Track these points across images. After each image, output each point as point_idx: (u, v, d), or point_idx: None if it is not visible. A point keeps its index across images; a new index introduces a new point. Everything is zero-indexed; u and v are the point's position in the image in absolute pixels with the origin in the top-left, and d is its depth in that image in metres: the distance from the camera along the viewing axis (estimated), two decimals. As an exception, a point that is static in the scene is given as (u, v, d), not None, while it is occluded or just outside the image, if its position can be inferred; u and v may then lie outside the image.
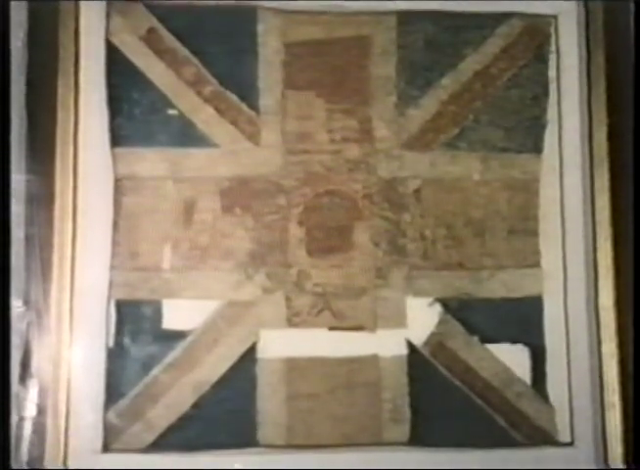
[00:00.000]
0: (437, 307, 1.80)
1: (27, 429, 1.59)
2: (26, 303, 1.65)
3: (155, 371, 1.74)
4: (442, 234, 1.81)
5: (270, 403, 1.70)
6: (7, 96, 1.51)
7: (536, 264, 1.80)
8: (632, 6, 1.72)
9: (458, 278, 1.80)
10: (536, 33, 1.84)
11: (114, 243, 1.73)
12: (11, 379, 1.51)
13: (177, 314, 1.76)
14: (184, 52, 1.77)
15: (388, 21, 1.80)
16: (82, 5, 1.71)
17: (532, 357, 1.77)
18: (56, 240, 1.68)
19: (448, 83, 1.83)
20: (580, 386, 1.73)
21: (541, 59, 1.84)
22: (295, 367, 1.74)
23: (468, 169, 1.83)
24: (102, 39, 1.73)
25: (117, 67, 1.74)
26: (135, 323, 1.76)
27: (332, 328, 1.77)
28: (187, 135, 1.79)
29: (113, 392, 1.69)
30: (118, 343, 1.73)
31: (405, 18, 1.79)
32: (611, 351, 1.73)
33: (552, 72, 1.83)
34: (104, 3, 1.73)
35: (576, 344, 1.74)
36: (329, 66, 1.78)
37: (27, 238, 1.65)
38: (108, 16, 1.73)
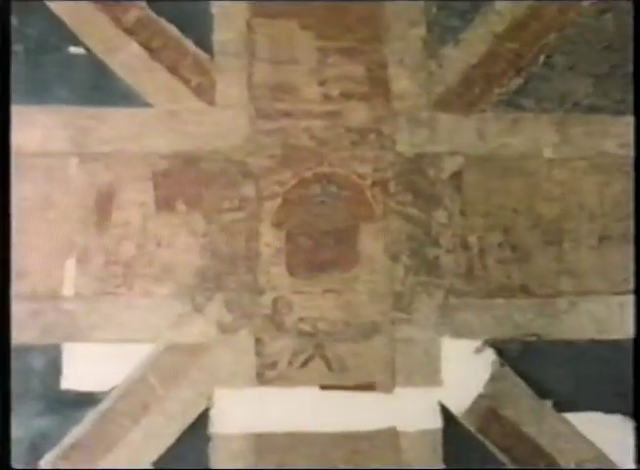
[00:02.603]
0: (489, 355, 1.57)
1: None
2: None
3: (49, 456, 1.52)
4: (496, 241, 1.58)
5: (231, 506, 1.51)
6: (7, 94, 1.46)
7: (643, 289, 1.57)
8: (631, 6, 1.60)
9: (521, 310, 1.58)
10: None
11: (-12, 256, 1.52)
12: (11, 379, 1.43)
13: (84, 367, 1.55)
14: (94, -44, 1.58)
15: None
16: None
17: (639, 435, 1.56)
18: None
19: (505, 7, 1.61)
20: None
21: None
22: (268, 448, 1.53)
23: (536, 141, 1.61)
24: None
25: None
26: (19, 382, 1.52)
27: (325, 387, 1.55)
28: (100, 87, 1.60)
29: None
30: (-9, 413, 1.48)
31: None
32: None
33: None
34: None
35: None
36: (320, -20, 1.58)
37: None
38: None
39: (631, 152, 1.60)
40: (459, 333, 1.57)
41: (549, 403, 1.56)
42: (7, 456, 1.38)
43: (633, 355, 1.53)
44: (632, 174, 1.58)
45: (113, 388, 1.54)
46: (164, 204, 1.56)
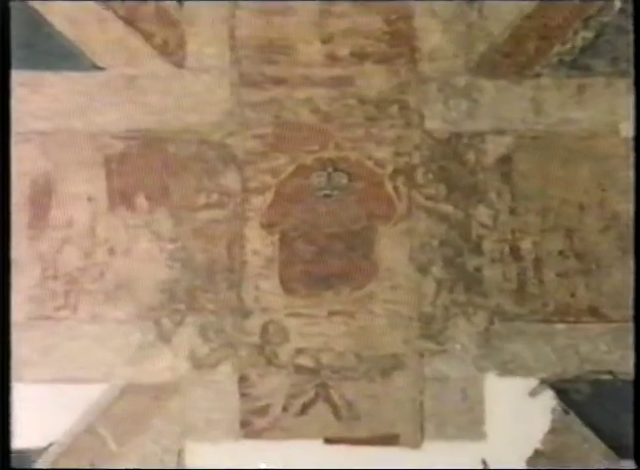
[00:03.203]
0: (548, 399, 1.42)
1: None
2: None
3: None
4: (557, 248, 1.43)
5: None
6: (7, 93, 1.39)
7: None
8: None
9: (589, 339, 1.43)
10: None
11: None
12: (11, 379, 1.38)
13: (14, 417, 1.42)
14: None
15: None
16: None
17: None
18: None
19: None
20: None
21: None
22: (256, 520, 1.45)
23: (610, 115, 1.44)
24: None
25: None
26: None
27: (332, 440, 1.43)
28: (33, 44, 1.45)
29: None
30: None
31: None
32: None
33: None
34: None
35: None
36: None
37: None
38: None
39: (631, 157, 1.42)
40: (508, 369, 1.41)
41: (630, 465, 1.39)
42: (7, 456, 1.39)
43: None
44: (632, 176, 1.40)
45: (51, 443, 1.39)
46: (120, 199, 1.41)
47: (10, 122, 1.44)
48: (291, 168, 1.41)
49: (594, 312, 1.40)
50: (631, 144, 1.49)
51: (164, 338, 1.39)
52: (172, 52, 1.42)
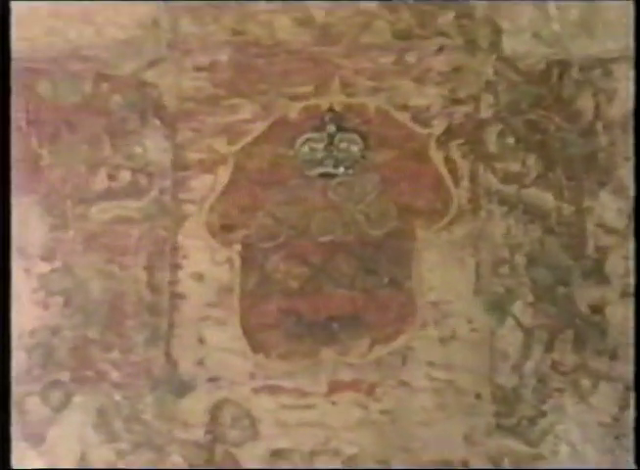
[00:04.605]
0: None
1: None
2: None
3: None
4: None
5: None
6: (7, 95, 1.25)
7: None
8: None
9: None
10: None
11: None
12: (11, 378, 1.22)
13: None
14: None
15: None
16: None
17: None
18: None
19: None
20: None
21: None
22: None
23: None
24: None
25: None
26: None
27: None
28: None
29: None
30: None
31: None
32: None
33: None
34: None
35: None
36: None
37: None
38: None
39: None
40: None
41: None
42: (7, 456, 1.27)
43: None
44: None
45: None
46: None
47: (9, 114, 1.22)
48: (262, 126, 0.93)
49: None
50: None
51: (32, 433, 0.92)
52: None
